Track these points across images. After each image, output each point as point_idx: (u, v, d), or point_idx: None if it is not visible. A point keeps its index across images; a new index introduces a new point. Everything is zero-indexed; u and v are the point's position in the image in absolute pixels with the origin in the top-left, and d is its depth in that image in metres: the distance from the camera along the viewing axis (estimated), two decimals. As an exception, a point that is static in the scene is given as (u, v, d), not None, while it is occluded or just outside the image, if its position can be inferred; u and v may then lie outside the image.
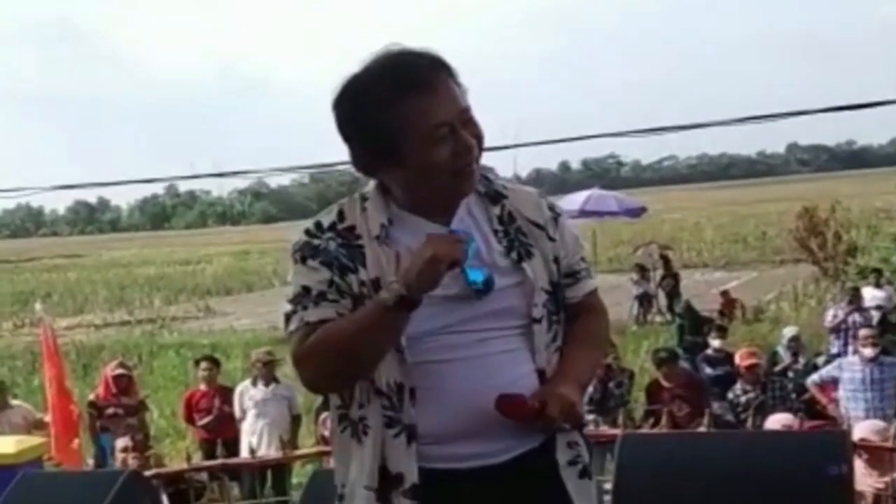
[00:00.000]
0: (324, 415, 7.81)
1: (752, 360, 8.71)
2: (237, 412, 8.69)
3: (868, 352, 8.27)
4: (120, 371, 9.20)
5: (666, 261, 19.81)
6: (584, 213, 18.02)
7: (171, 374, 15.97)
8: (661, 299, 18.67)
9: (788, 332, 10.75)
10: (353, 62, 2.02)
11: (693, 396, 8.31)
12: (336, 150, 2.10)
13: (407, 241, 1.98)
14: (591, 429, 6.05)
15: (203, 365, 9.36)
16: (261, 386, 8.65)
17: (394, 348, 1.96)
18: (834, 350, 11.56)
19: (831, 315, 12.16)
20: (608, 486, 3.36)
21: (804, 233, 21.47)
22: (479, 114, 2.03)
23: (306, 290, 2.00)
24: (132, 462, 6.99)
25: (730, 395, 8.56)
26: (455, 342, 2.00)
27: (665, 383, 8.52)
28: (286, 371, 10.20)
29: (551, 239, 2.11)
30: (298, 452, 6.51)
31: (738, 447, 3.64)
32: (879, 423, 6.48)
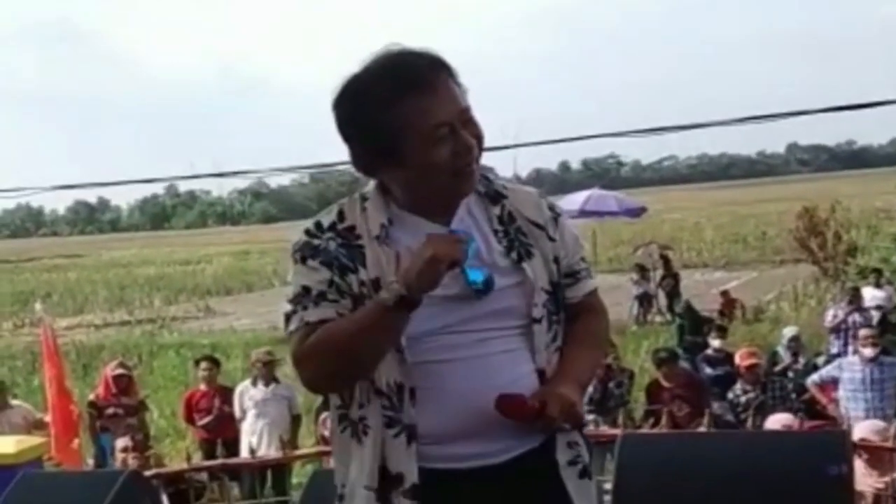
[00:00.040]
0: (324, 415, 7.81)
1: (752, 360, 8.71)
2: (237, 412, 8.69)
3: (868, 352, 8.27)
4: (120, 371, 9.20)
5: (666, 261, 19.81)
6: (584, 213, 18.02)
7: (171, 374, 15.97)
8: (661, 299, 18.67)
9: (788, 332, 10.75)
10: (353, 62, 2.03)
11: (693, 396, 8.31)
12: (336, 150, 2.10)
13: (407, 242, 1.98)
14: (590, 429, 6.05)
15: (203, 365, 9.36)
16: (261, 386, 8.65)
17: (394, 348, 1.96)
18: (834, 350, 11.56)
19: (831, 315, 12.16)
20: (608, 486, 3.36)
21: (804, 233, 21.47)
22: (479, 114, 2.03)
23: (306, 290, 2.00)
24: (132, 462, 6.99)
25: (730, 395, 8.56)
26: (455, 342, 2.00)
27: (665, 383, 8.52)
28: (286, 371, 10.20)
29: (551, 239, 2.11)
30: (298, 452, 6.51)
31: (738, 447, 3.64)
32: (879, 423, 6.48)
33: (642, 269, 19.53)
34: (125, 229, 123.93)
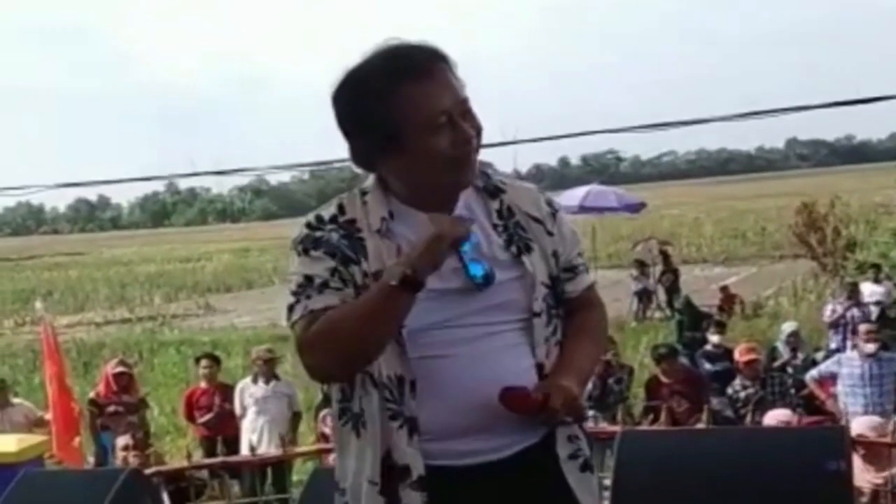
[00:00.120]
0: (324, 412, 7.82)
1: (752, 356, 8.71)
2: (237, 409, 8.70)
3: (869, 347, 8.26)
4: (120, 369, 9.21)
5: (665, 256, 19.78)
6: (583, 208, 17.97)
7: (171, 372, 15.96)
8: (661, 295, 18.64)
9: (787, 327, 10.74)
10: (353, 60, 2.03)
11: (692, 392, 8.31)
12: (336, 147, 2.10)
13: (407, 235, 1.99)
14: (590, 425, 6.05)
15: (203, 362, 9.37)
16: (261, 383, 8.65)
17: (394, 341, 1.96)
18: (833, 345, 11.58)
19: (830, 310, 12.17)
20: (607, 482, 3.36)
21: (803, 228, 21.46)
22: (479, 114, 2.03)
23: (309, 279, 1.99)
24: (133, 460, 7.00)
25: (729, 391, 8.56)
26: (455, 336, 2.00)
27: (664, 379, 8.52)
28: (286, 368, 10.24)
29: (550, 233, 2.12)
30: (299, 450, 6.51)
31: (737, 443, 3.65)
32: (875, 419, 6.49)
33: (642, 265, 19.52)
34: (126, 227, 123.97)
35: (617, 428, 4.41)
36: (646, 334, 15.71)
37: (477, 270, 2.01)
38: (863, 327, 8.88)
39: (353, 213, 2.05)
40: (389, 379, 1.99)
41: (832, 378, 8.47)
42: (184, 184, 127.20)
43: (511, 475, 2.03)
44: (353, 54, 2.03)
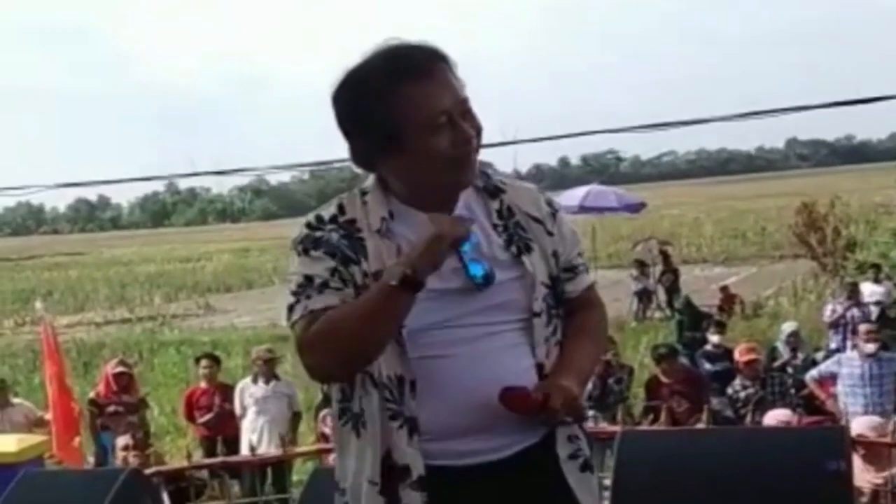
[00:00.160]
0: (324, 412, 7.82)
1: (752, 356, 8.70)
2: (237, 409, 8.70)
3: (869, 347, 8.26)
4: (120, 369, 9.21)
5: (665, 256, 19.78)
6: (583, 208, 17.97)
7: (171, 372, 15.97)
8: (661, 295, 18.65)
9: (787, 327, 10.74)
10: (353, 61, 2.03)
11: (692, 392, 8.31)
12: (336, 147, 2.10)
13: (407, 235, 1.99)
14: (590, 425, 6.05)
15: (203, 362, 9.37)
16: (261, 383, 8.65)
17: (394, 341, 1.96)
18: (833, 345, 11.58)
19: (830, 310, 12.17)
20: (607, 482, 3.36)
21: (803, 228, 21.46)
22: (479, 114, 2.03)
23: (309, 279, 1.99)
24: (133, 460, 7.00)
25: (729, 391, 8.56)
26: (455, 336, 2.00)
27: (664, 379, 8.52)
28: (286, 368, 10.24)
29: (550, 233, 2.12)
30: (299, 450, 6.51)
31: (737, 443, 3.65)
32: (875, 419, 6.49)
33: (642, 265, 19.52)
34: (126, 227, 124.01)
35: (617, 428, 4.41)
36: (646, 334, 15.71)
37: (477, 270, 2.01)
38: (863, 327, 8.88)
39: (353, 213, 2.04)
40: (389, 379, 1.98)
41: (832, 378, 8.47)
42: (184, 184, 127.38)
43: (511, 475, 2.03)
44: (353, 54, 2.03)
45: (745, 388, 8.46)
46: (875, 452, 5.54)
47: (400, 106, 1.94)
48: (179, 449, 9.46)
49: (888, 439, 4.97)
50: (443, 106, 1.96)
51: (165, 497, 5.13)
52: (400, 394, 1.98)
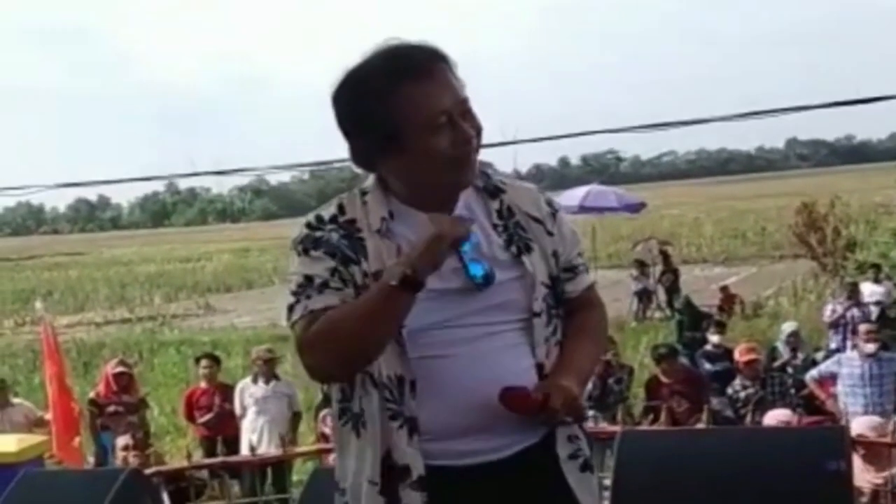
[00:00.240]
0: (324, 412, 7.82)
1: (752, 356, 8.70)
2: (237, 409, 8.70)
3: (869, 347, 8.26)
4: (120, 369, 9.20)
5: (665, 256, 19.78)
6: (583, 208, 17.97)
7: (171, 372, 15.96)
8: (661, 295, 18.64)
9: (787, 327, 10.74)
10: (353, 60, 2.03)
11: (692, 392, 8.31)
12: (336, 147, 2.10)
13: (407, 235, 1.99)
14: (590, 425, 6.05)
15: (203, 362, 9.37)
16: (261, 383, 8.65)
17: (394, 341, 1.96)
18: (833, 345, 11.57)
19: (830, 310, 12.17)
20: (607, 482, 3.36)
21: (803, 228, 21.46)
22: (479, 114, 2.03)
23: (309, 279, 1.99)
24: (133, 460, 6.99)
25: (729, 391, 8.56)
26: (455, 337, 2.00)
27: (664, 379, 8.52)
28: (286, 368, 10.24)
29: (550, 233, 2.12)
30: (298, 450, 6.51)
31: (737, 443, 3.65)
32: (875, 419, 6.49)
33: (642, 265, 19.52)
34: (126, 227, 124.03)
35: (617, 428, 4.41)
36: (646, 334, 15.70)
37: (477, 270, 2.01)
38: (863, 327, 8.88)
39: (353, 213, 2.04)
40: (389, 379, 1.98)
41: (832, 378, 8.46)
42: (184, 184, 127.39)
43: (511, 475, 2.03)
44: (353, 54, 2.03)
45: (745, 388, 8.46)
46: (875, 452, 5.54)
47: (400, 106, 1.94)
48: (179, 449, 9.46)
49: (888, 439, 4.97)
50: (443, 106, 1.96)
51: (165, 497, 5.13)
52: (400, 394, 1.98)
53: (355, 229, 2.02)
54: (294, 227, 2.09)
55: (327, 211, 2.06)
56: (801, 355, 10.11)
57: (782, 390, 8.59)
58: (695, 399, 8.02)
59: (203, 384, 9.18)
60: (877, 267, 15.28)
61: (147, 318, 25.56)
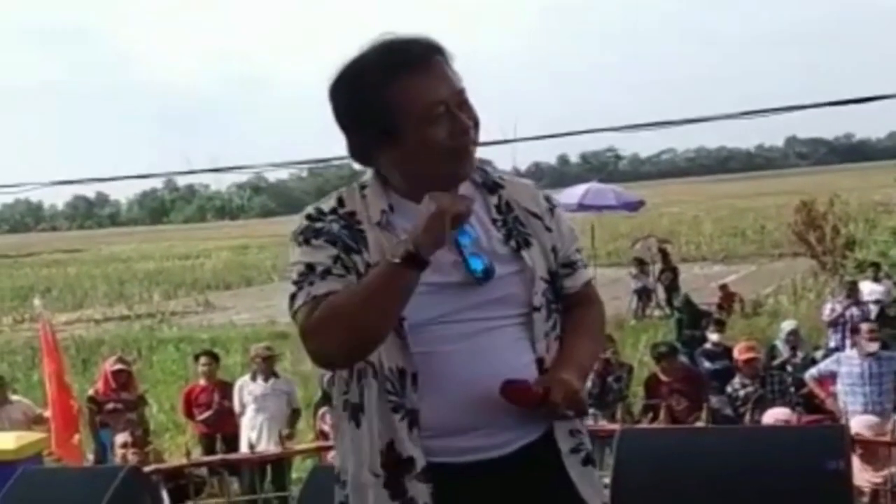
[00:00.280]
0: (323, 409, 7.82)
1: (751, 354, 8.70)
2: (236, 407, 8.70)
3: (871, 346, 8.25)
4: (119, 366, 9.19)
5: (664, 254, 19.78)
6: (582, 206, 17.98)
7: (170, 369, 15.95)
8: (660, 293, 18.64)
9: (787, 325, 10.74)
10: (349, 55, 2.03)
11: (692, 390, 8.32)
12: (334, 145, 2.10)
13: (407, 228, 1.97)
14: (589, 423, 6.04)
15: (202, 360, 9.36)
16: (260, 381, 8.65)
17: (396, 334, 1.95)
18: (832, 344, 11.56)
19: (829, 309, 12.17)
20: (606, 480, 3.36)
21: (803, 226, 21.47)
22: (479, 114, 2.03)
23: (311, 267, 1.97)
24: (132, 458, 6.99)
25: (728, 389, 8.56)
26: (455, 331, 1.99)
27: (664, 377, 8.52)
28: (285, 366, 10.24)
29: (548, 229, 2.12)
30: (298, 447, 6.51)
31: (737, 442, 3.64)
32: (872, 418, 6.50)
33: (641, 263, 19.51)
34: (124, 224, 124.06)
35: (616, 426, 4.41)
36: (645, 332, 15.70)
37: (477, 265, 2.00)
38: (862, 326, 8.87)
39: (353, 205, 2.04)
40: (391, 371, 1.98)
41: (831, 377, 8.46)
42: (182, 181, 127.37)
43: (513, 471, 2.03)
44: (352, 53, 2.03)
45: (744, 386, 8.45)
46: (874, 451, 5.54)
47: (397, 98, 1.94)
48: (178, 446, 9.45)
49: (887, 438, 4.97)
50: (440, 97, 1.96)
51: (164, 494, 5.13)
52: (402, 386, 1.97)
53: (355, 221, 2.02)
54: (293, 224, 2.08)
55: (327, 203, 2.06)
56: (800, 354, 10.11)
57: (782, 389, 8.58)
58: (694, 397, 8.03)
59: (202, 381, 9.18)
60: (876, 265, 15.28)
61: (146, 315, 25.53)
